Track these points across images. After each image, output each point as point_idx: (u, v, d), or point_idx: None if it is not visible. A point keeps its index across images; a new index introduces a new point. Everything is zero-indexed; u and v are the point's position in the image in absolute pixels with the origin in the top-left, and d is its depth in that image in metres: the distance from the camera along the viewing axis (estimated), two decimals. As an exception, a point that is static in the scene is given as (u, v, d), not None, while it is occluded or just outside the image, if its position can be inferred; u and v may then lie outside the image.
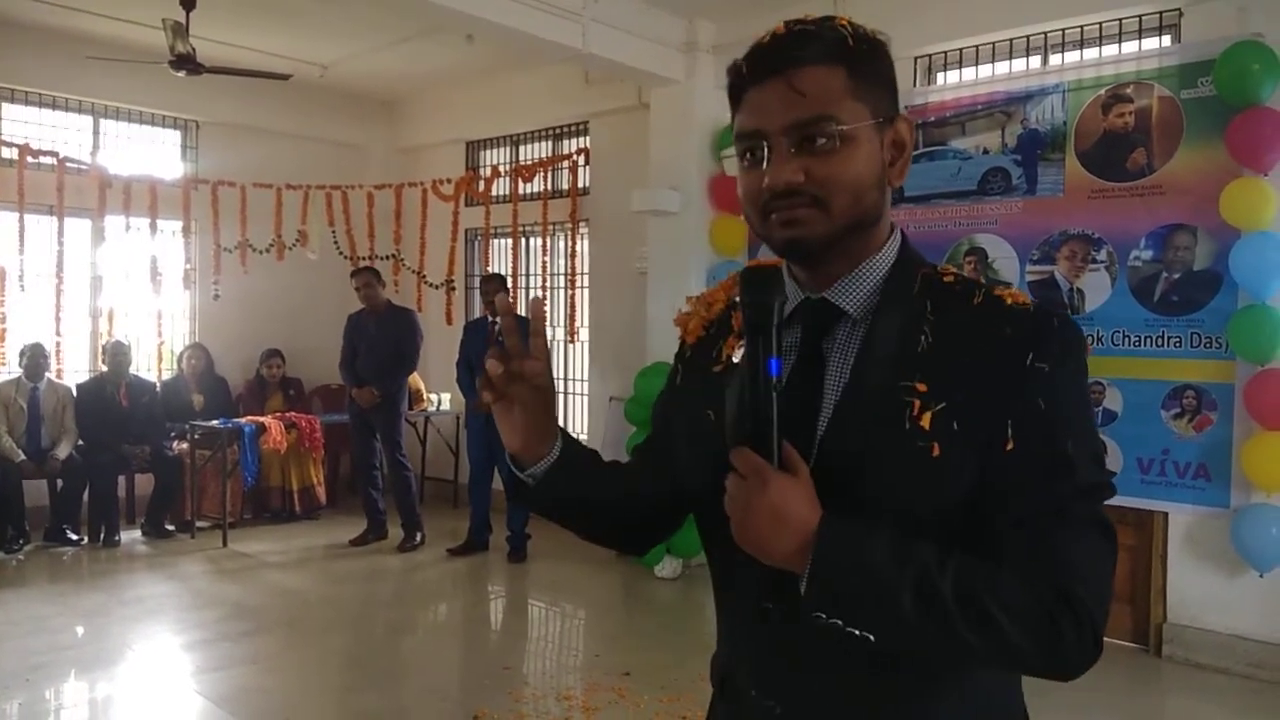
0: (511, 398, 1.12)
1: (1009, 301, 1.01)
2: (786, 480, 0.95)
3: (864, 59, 1.03)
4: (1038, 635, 0.93)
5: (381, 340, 6.46)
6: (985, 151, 5.04)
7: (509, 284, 6.66)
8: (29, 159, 6.61)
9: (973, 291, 1.03)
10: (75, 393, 6.65)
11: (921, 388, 0.98)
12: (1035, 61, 5.05)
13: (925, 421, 0.97)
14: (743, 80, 1.04)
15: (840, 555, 0.94)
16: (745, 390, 0.98)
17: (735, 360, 1.12)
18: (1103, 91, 4.64)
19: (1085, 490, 0.97)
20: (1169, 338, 4.47)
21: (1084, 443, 0.98)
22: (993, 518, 0.96)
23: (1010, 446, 0.96)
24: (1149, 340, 4.53)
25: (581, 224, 7.26)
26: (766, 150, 1.01)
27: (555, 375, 7.03)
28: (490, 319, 6.30)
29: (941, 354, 0.99)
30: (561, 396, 7.63)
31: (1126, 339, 4.59)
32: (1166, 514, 4.54)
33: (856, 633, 0.94)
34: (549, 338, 6.58)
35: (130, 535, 6.65)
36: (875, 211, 1.05)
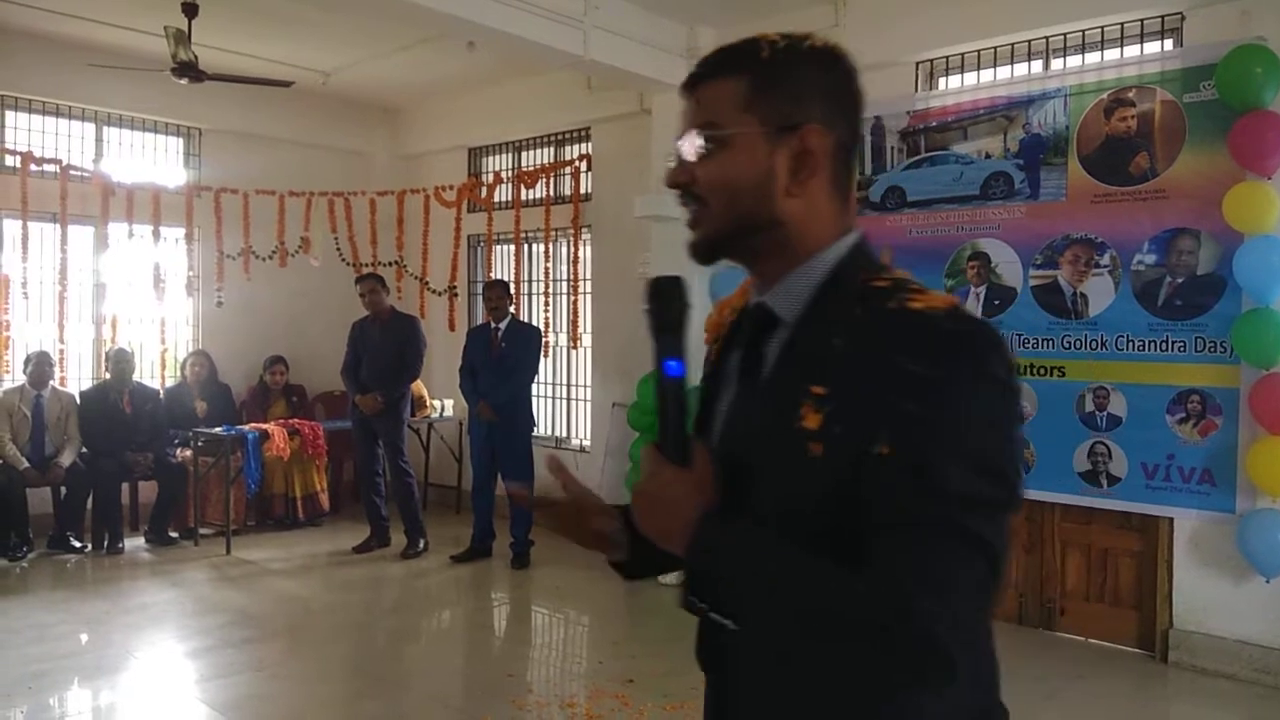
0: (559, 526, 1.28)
1: (918, 306, 0.98)
2: (674, 474, 1.04)
3: (775, 69, 1.08)
4: (872, 643, 0.91)
5: (385, 347, 6.46)
6: (987, 156, 5.04)
7: (511, 290, 6.66)
8: (32, 166, 6.62)
9: (892, 295, 1.01)
10: (79, 400, 6.65)
11: (819, 390, 0.99)
12: (1037, 66, 5.04)
13: (811, 422, 0.98)
14: (682, 94, 1.15)
15: (711, 541, 1.00)
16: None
17: (720, 365, 1.19)
18: (1105, 96, 4.64)
19: (953, 500, 0.91)
20: (1173, 342, 4.46)
21: (962, 451, 0.93)
22: (863, 521, 0.95)
23: (884, 451, 0.93)
24: (1153, 345, 4.52)
25: (584, 230, 7.26)
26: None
27: (558, 381, 6.96)
28: (493, 325, 6.30)
29: (847, 358, 0.99)
30: (564, 402, 7.64)
31: (1130, 344, 4.58)
32: (1172, 519, 4.52)
33: (719, 618, 1.03)
34: (551, 344, 6.45)
35: (134, 542, 6.64)
36: (762, 215, 1.07)
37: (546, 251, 7.43)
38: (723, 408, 1.14)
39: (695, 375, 1.15)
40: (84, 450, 6.54)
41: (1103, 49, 4.83)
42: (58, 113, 7.04)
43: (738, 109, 1.07)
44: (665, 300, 1.09)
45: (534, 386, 6.44)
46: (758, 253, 1.11)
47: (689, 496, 1.02)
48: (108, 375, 6.82)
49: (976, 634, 1.03)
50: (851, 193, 1.14)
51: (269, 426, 6.98)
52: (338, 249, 7.76)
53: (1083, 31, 4.85)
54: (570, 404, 7.60)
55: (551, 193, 7.46)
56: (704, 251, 1.12)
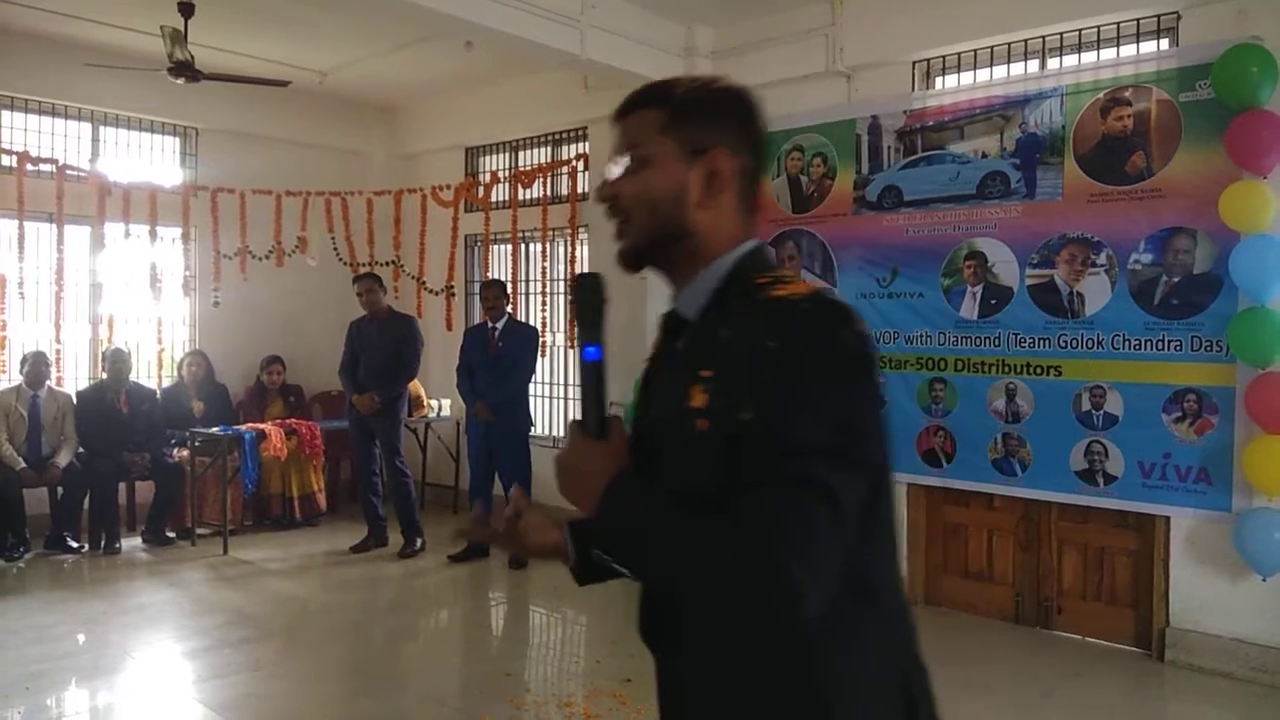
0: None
1: (781, 294, 1.14)
2: (590, 445, 1.18)
3: (688, 104, 1.24)
4: (736, 578, 1.02)
5: (382, 346, 6.45)
6: (984, 155, 5.05)
7: (509, 290, 6.65)
8: (29, 166, 6.62)
9: (765, 289, 1.16)
10: (75, 400, 6.64)
11: (707, 373, 1.13)
12: (1033, 65, 5.05)
13: (698, 401, 1.12)
14: (612, 124, 1.30)
15: (612, 501, 1.13)
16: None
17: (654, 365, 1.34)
18: (1101, 95, 4.65)
19: (800, 453, 1.03)
20: (1169, 341, 4.47)
21: (813, 411, 1.05)
22: (737, 479, 1.06)
23: (748, 417, 1.06)
24: (1149, 344, 4.53)
25: (581, 229, 7.26)
26: None
27: (556, 380, 6.96)
28: (490, 325, 6.30)
29: (729, 343, 1.14)
30: (562, 402, 7.63)
31: (1127, 342, 4.59)
32: (1168, 518, 4.53)
33: (618, 567, 1.17)
34: (549, 343, 6.48)
35: (131, 543, 6.64)
36: (677, 226, 1.23)
37: (544, 251, 7.43)
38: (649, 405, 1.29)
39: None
40: (81, 450, 6.54)
41: (1099, 48, 4.84)
42: (54, 112, 7.02)
43: (657, 133, 1.23)
44: (587, 293, 1.23)
45: (531, 386, 6.43)
46: (673, 261, 1.26)
47: (603, 466, 1.15)
48: (104, 375, 6.81)
49: (865, 585, 1.13)
50: (756, 208, 1.29)
51: (266, 426, 6.98)
52: (335, 249, 7.76)
53: (1079, 31, 4.86)
54: (567, 403, 7.60)
55: (549, 192, 7.46)
56: (629, 259, 1.29)
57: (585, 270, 1.31)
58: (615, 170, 1.26)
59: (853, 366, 1.10)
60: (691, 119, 1.23)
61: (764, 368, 1.07)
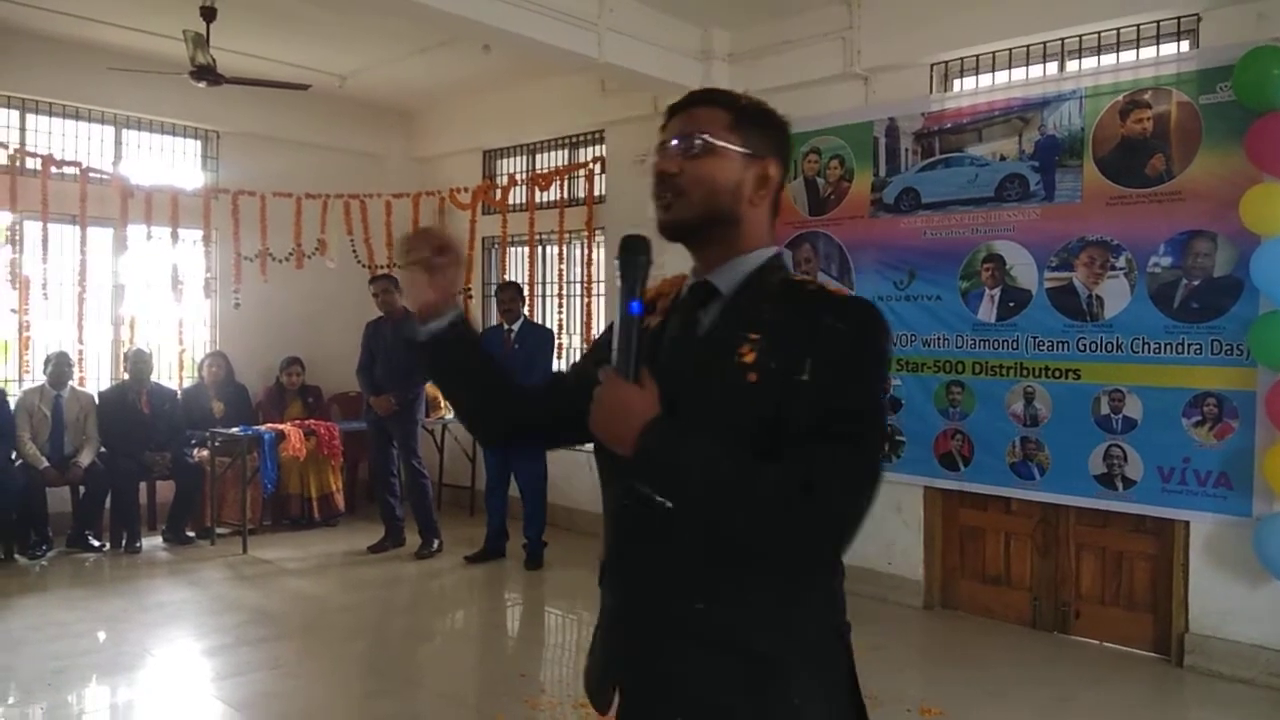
0: (420, 264, 1.50)
1: (830, 289, 1.37)
2: (631, 388, 1.29)
3: (751, 114, 1.42)
4: (780, 514, 1.20)
5: (399, 347, 6.48)
6: (1002, 158, 5.03)
7: (524, 292, 6.68)
8: (53, 169, 6.70)
9: (811, 286, 1.38)
10: (97, 400, 6.71)
11: (754, 336, 1.31)
12: (1052, 68, 5.03)
13: (748, 357, 1.30)
14: (667, 116, 1.45)
15: (657, 439, 1.26)
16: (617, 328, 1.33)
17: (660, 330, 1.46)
18: (1120, 97, 4.62)
19: (857, 416, 1.25)
20: (1189, 345, 4.44)
21: (863, 385, 1.28)
22: (780, 434, 1.25)
23: (804, 378, 1.26)
24: (1169, 347, 4.50)
25: (597, 232, 7.28)
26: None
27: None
28: (506, 327, 6.33)
29: (777, 318, 1.32)
30: (578, 404, 7.63)
31: (1146, 346, 4.56)
32: (1188, 523, 4.49)
33: (660, 500, 1.27)
34: (565, 345, 6.50)
35: (151, 542, 6.70)
36: (729, 211, 1.39)
37: (560, 254, 7.46)
38: (662, 359, 1.39)
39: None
40: (102, 450, 6.60)
41: (1118, 50, 4.81)
42: (77, 116, 7.10)
43: (727, 130, 1.39)
44: (634, 254, 1.34)
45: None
46: (713, 241, 1.41)
47: (642, 407, 1.28)
48: (126, 376, 6.88)
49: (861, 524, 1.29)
50: (778, 219, 1.48)
51: (285, 427, 7.03)
52: (354, 251, 7.81)
53: (1098, 33, 4.83)
54: (584, 405, 7.60)
55: (565, 195, 7.49)
56: (674, 230, 1.41)
57: (633, 233, 1.37)
58: (681, 148, 1.38)
59: (886, 360, 1.34)
60: (753, 127, 1.41)
61: (828, 341, 1.27)
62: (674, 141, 1.40)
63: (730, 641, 1.30)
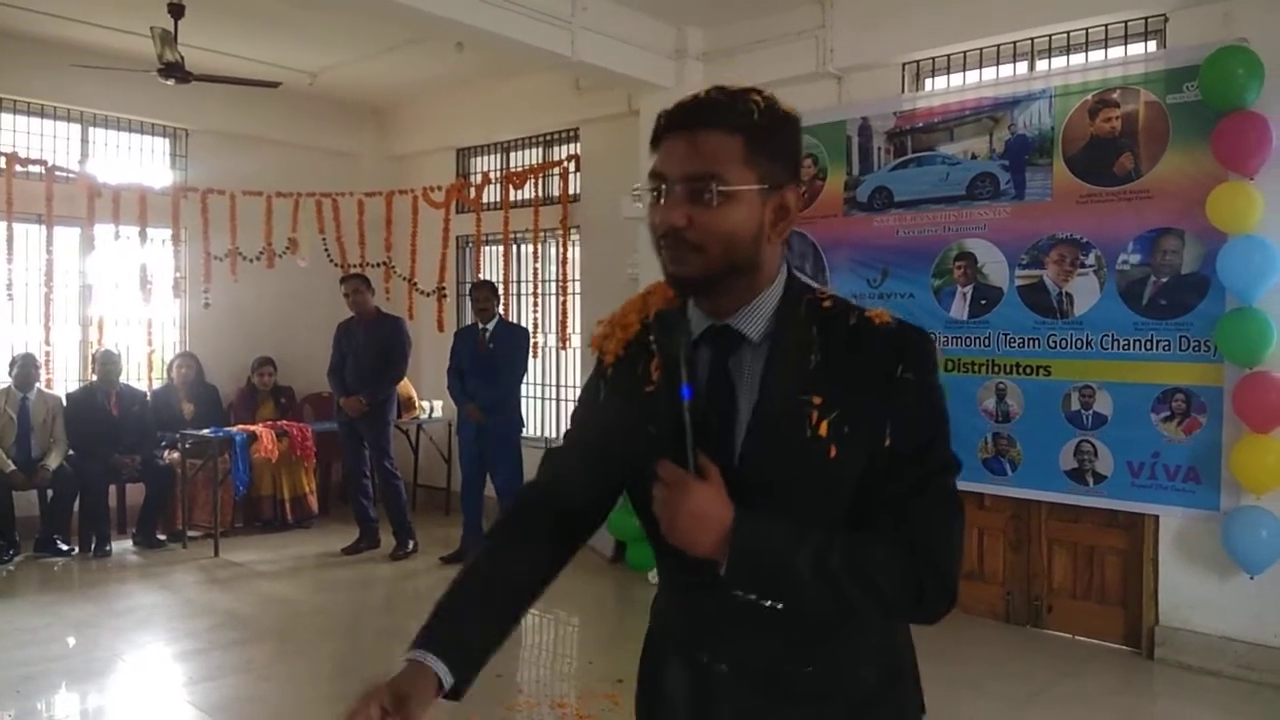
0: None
1: (877, 321, 1.23)
2: (702, 486, 1.17)
3: (765, 132, 1.20)
4: (906, 589, 1.17)
5: (369, 348, 6.44)
6: (973, 157, 5.07)
7: (499, 291, 6.66)
8: (18, 168, 6.59)
9: (847, 313, 1.24)
10: (65, 402, 6.62)
11: (817, 400, 1.19)
12: (1022, 67, 5.07)
13: (823, 429, 1.18)
14: (661, 129, 1.23)
15: (751, 544, 1.16)
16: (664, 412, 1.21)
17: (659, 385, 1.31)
18: (1089, 97, 4.67)
19: (942, 469, 1.21)
20: (1158, 341, 4.50)
21: (941, 432, 1.23)
22: (874, 499, 1.19)
23: (889, 443, 1.18)
24: (1138, 344, 4.55)
25: (573, 230, 7.27)
26: (664, 192, 1.20)
27: (547, 381, 6.95)
28: (481, 326, 6.30)
29: (829, 369, 1.21)
30: (553, 403, 7.64)
31: (1115, 342, 4.61)
32: (1157, 517, 4.56)
33: (768, 603, 1.19)
34: (540, 344, 6.48)
35: (121, 545, 6.62)
36: (749, 260, 1.22)
37: (535, 252, 7.44)
38: (701, 430, 1.22)
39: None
40: (71, 453, 6.51)
41: (1087, 50, 4.86)
42: (43, 113, 7.00)
43: (740, 164, 1.18)
44: (671, 333, 1.24)
45: (523, 387, 6.44)
46: (732, 288, 1.24)
47: (716, 508, 1.16)
48: (94, 377, 6.79)
49: None
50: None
51: (257, 428, 6.97)
52: (325, 250, 7.74)
53: (1067, 33, 4.88)
54: (559, 404, 7.60)
55: (540, 193, 7.47)
56: (691, 287, 1.24)
57: (665, 309, 1.26)
58: (683, 193, 1.18)
59: (943, 391, 1.26)
60: (768, 151, 1.20)
61: (902, 397, 1.19)
62: (677, 186, 1.18)
63: (839, 691, 1.27)
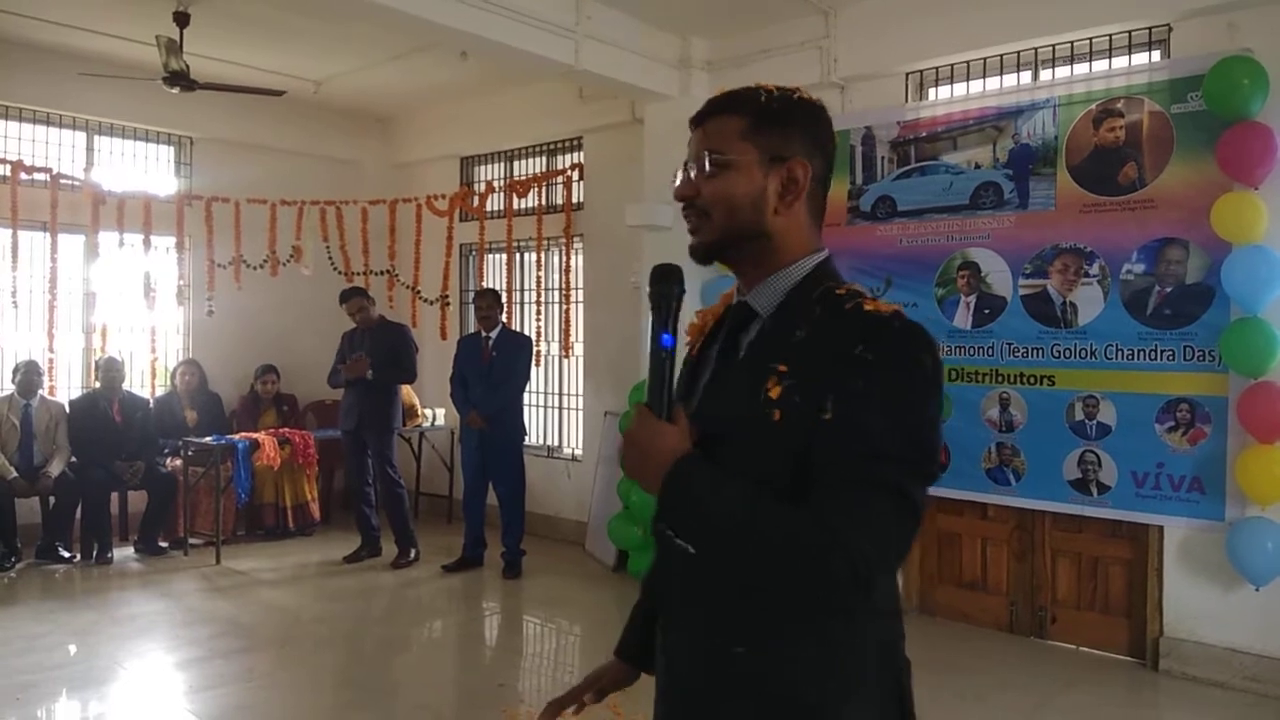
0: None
1: (869, 309, 1.22)
2: (662, 425, 1.24)
3: (771, 113, 1.31)
4: (809, 565, 1.13)
5: (375, 355, 6.44)
6: (977, 166, 5.07)
7: (503, 299, 6.66)
8: (23, 175, 6.61)
9: (849, 301, 1.25)
10: (68, 409, 6.62)
11: (782, 368, 1.22)
12: (1026, 77, 5.08)
13: (774, 392, 1.21)
14: (692, 124, 1.37)
15: (682, 481, 1.21)
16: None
17: (700, 356, 1.43)
18: (1093, 106, 4.67)
19: (883, 459, 1.14)
20: (1162, 351, 4.48)
21: (895, 422, 1.16)
22: (810, 473, 1.17)
23: (828, 417, 1.16)
24: (1142, 354, 4.54)
25: (576, 239, 7.27)
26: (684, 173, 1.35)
27: (550, 390, 6.94)
28: (484, 334, 6.30)
29: (807, 344, 1.23)
30: (556, 411, 7.63)
31: (1120, 352, 4.60)
32: (1162, 528, 4.54)
33: (681, 542, 1.26)
34: (543, 353, 6.46)
35: (123, 552, 6.61)
36: (754, 226, 1.31)
37: (539, 260, 7.45)
38: (701, 386, 1.36)
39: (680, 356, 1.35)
40: (73, 460, 6.51)
41: (1091, 60, 4.86)
42: (49, 121, 7.02)
43: (739, 139, 1.30)
44: (666, 285, 1.30)
45: (525, 395, 6.44)
46: (745, 258, 1.34)
47: (671, 445, 1.22)
48: (97, 384, 6.79)
49: (894, 570, 1.21)
50: (823, 216, 1.38)
51: (259, 436, 6.96)
52: (329, 258, 7.75)
53: (1071, 43, 4.88)
54: (562, 413, 7.60)
55: (544, 202, 7.48)
56: (702, 254, 1.35)
57: (666, 262, 1.33)
58: (696, 170, 1.33)
59: (929, 387, 1.21)
60: (772, 127, 1.31)
61: (853, 373, 1.17)
62: (689, 164, 1.35)
63: (778, 693, 1.23)
